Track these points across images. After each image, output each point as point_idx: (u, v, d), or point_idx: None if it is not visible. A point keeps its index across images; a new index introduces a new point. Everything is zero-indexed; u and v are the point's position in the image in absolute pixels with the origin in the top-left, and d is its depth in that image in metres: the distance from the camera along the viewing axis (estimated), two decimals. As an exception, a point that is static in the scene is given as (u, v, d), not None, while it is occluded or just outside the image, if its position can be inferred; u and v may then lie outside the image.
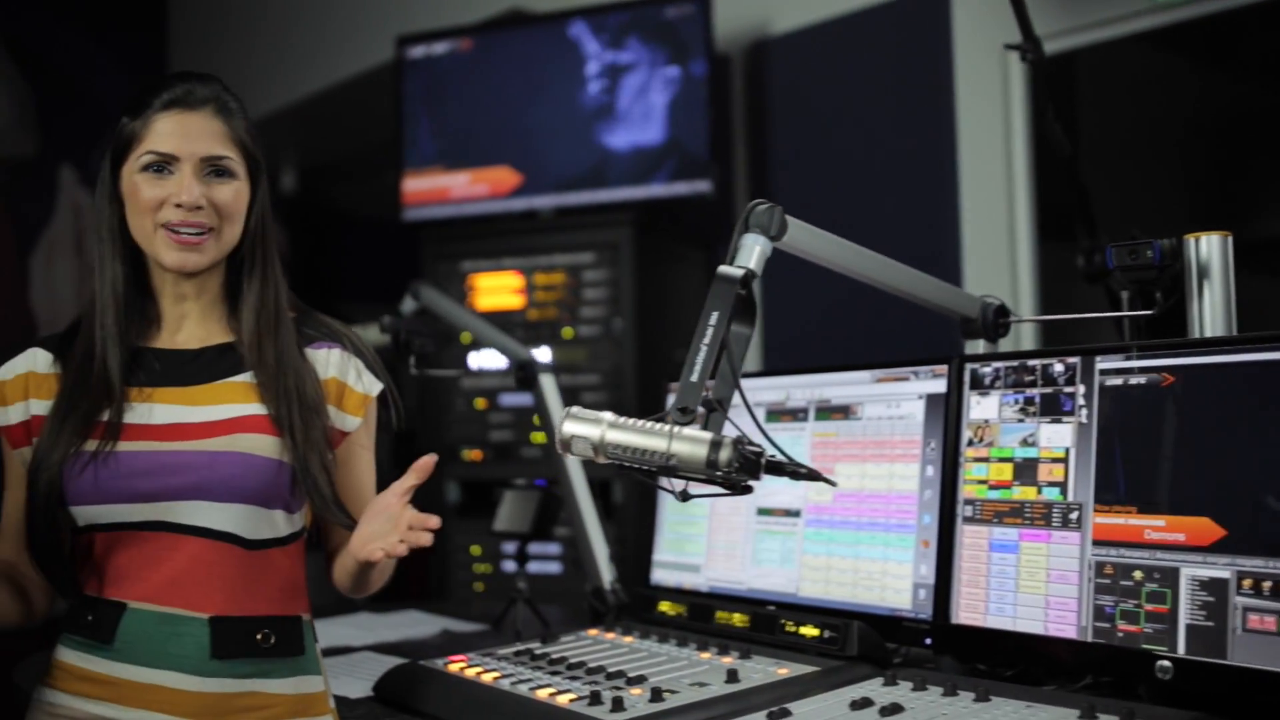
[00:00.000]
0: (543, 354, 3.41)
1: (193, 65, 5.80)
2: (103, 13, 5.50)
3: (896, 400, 1.93)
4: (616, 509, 3.48)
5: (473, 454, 3.68)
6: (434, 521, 1.51)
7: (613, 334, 3.54)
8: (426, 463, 1.55)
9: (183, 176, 1.62)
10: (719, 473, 1.44)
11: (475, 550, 3.64)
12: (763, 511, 2.11)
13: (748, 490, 1.49)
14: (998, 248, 3.33)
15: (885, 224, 3.48)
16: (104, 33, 5.47)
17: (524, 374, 2.43)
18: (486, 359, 3.59)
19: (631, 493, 3.44)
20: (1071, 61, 3.34)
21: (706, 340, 1.48)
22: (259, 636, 1.61)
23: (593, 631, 2.12)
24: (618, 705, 1.60)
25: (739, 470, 1.44)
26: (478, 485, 3.64)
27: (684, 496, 1.53)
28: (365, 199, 6.18)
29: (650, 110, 3.68)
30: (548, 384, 2.44)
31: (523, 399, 3.61)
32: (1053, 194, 3.37)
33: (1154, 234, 2.44)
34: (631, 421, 1.47)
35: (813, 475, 1.50)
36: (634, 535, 3.37)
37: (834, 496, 2.00)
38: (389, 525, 1.53)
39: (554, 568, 3.54)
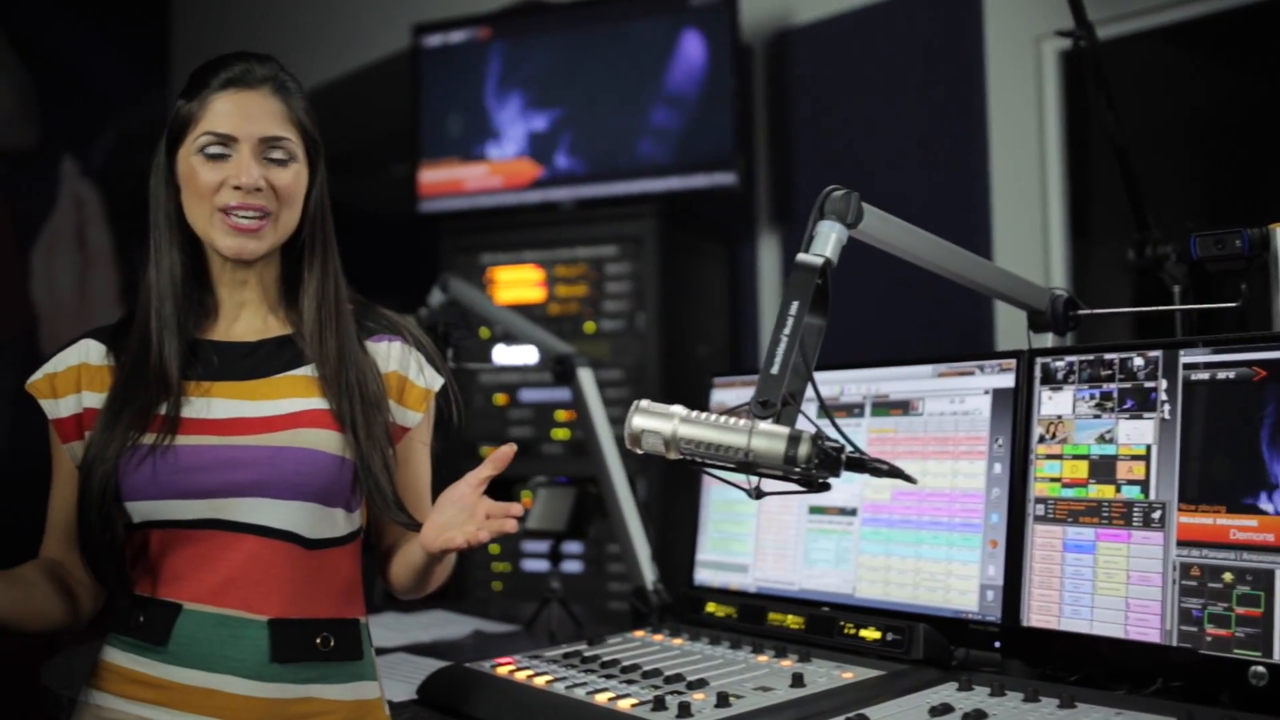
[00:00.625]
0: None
1: (195, 56, 5.74)
2: (104, 2, 5.41)
3: (960, 395, 1.87)
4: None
5: (491, 450, 3.60)
6: (517, 509, 1.46)
7: (636, 329, 3.48)
8: (505, 453, 1.50)
9: (241, 158, 1.56)
10: (797, 469, 1.38)
11: (494, 549, 3.57)
12: (815, 510, 2.05)
13: (825, 488, 1.43)
14: (1031, 243, 3.27)
15: (913, 219, 3.42)
16: (105, 22, 5.39)
17: (562, 368, 2.36)
18: (512, 354, 3.52)
19: (660, 491, 3.37)
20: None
21: (787, 331, 1.42)
22: (318, 640, 1.55)
23: (639, 633, 2.06)
24: (684, 711, 1.53)
25: (818, 467, 1.39)
26: (497, 482, 3.55)
27: (758, 494, 1.47)
28: (367, 193, 6.10)
29: (673, 101, 3.61)
30: (586, 378, 2.37)
31: (543, 394, 3.55)
32: (1084, 188, 3.32)
33: (1174, 229, 2.40)
34: (705, 416, 1.41)
35: (894, 472, 1.45)
36: (660, 533, 3.30)
37: (892, 495, 1.94)
38: (464, 515, 1.47)
39: (575, 567, 3.47)
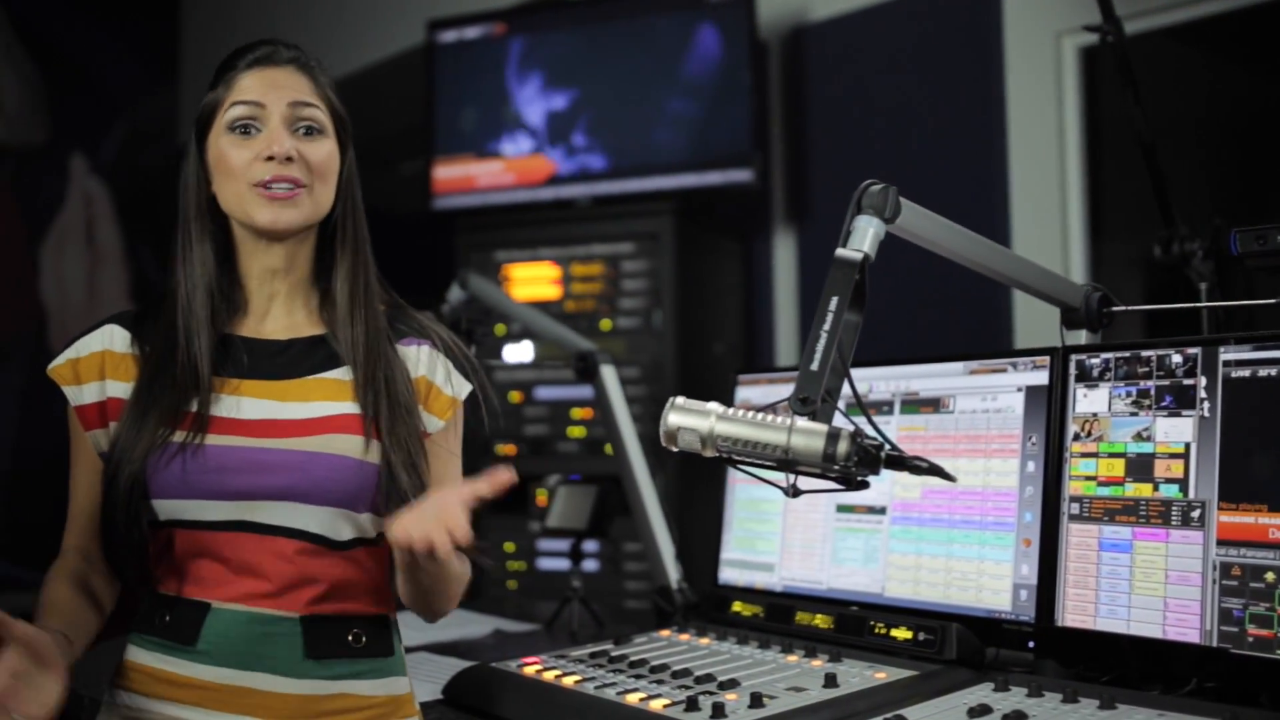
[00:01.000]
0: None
1: (205, 54, 5.73)
2: (114, -2, 5.41)
3: (993, 393, 1.85)
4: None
5: (506, 449, 3.59)
6: (465, 539, 1.36)
7: (653, 326, 3.46)
8: (503, 480, 1.41)
9: (271, 130, 1.54)
10: (836, 467, 1.37)
11: (509, 547, 3.55)
12: (843, 509, 2.03)
13: (864, 486, 1.42)
14: (1050, 240, 3.25)
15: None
16: (115, 19, 5.37)
17: (584, 365, 2.34)
18: (508, 351, 3.50)
19: (678, 490, 3.34)
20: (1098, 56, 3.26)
21: (826, 327, 1.40)
22: (350, 636, 1.53)
23: (665, 632, 2.04)
24: (718, 711, 1.51)
25: (858, 464, 1.37)
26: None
27: (794, 492, 1.45)
28: (377, 190, 6.09)
29: (689, 98, 3.59)
30: (609, 376, 2.35)
31: (559, 392, 3.53)
32: (1097, 186, 3.30)
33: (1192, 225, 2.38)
34: (742, 413, 1.39)
35: (934, 470, 1.43)
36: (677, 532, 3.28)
37: (922, 493, 1.92)
38: (434, 520, 1.37)
39: (590, 565, 3.44)
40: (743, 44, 3.52)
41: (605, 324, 3.50)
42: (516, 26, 3.80)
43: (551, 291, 3.58)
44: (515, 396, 3.59)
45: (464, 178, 3.83)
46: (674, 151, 3.59)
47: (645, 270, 3.48)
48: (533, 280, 3.60)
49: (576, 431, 3.51)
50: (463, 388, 1.64)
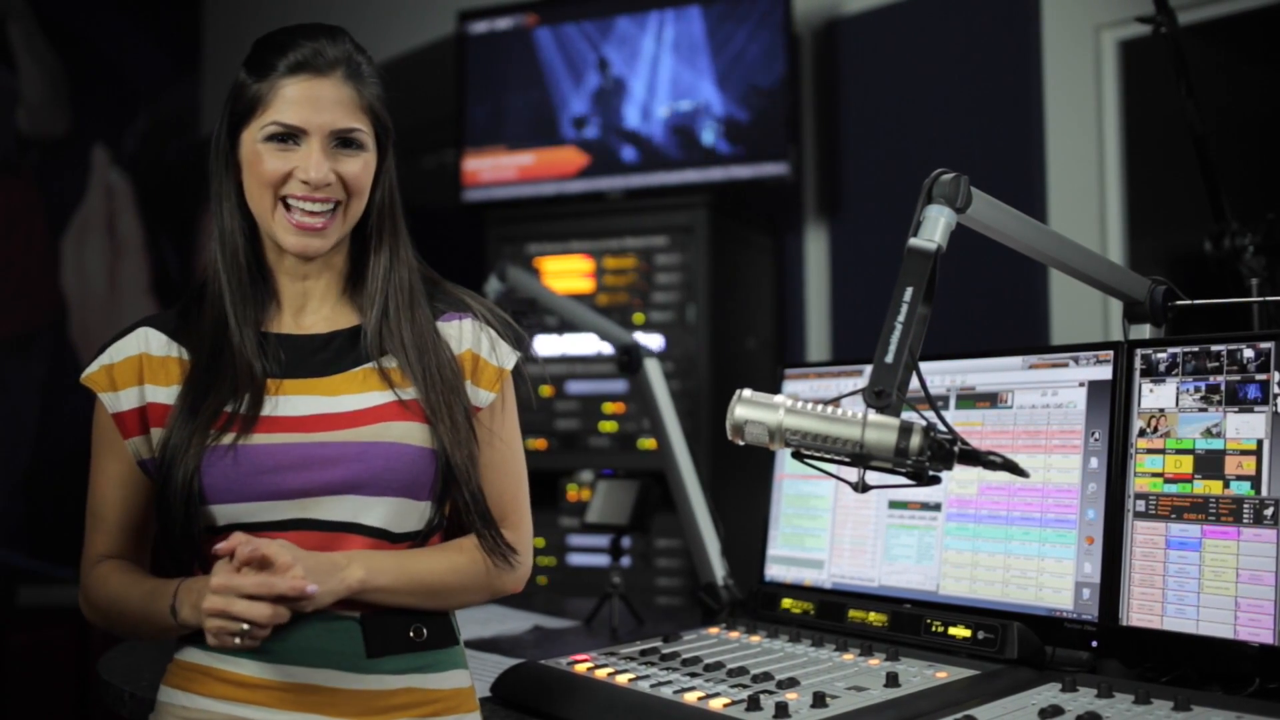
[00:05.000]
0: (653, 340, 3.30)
1: (227, 45, 5.70)
2: (136, -13, 5.39)
3: (1053, 388, 1.82)
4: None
5: (537, 443, 3.57)
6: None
7: (686, 320, 3.42)
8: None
9: (310, 151, 1.49)
10: (908, 461, 1.34)
11: (539, 542, 3.52)
12: (895, 505, 2.00)
13: (935, 481, 1.39)
14: (1087, 236, 3.22)
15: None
16: (136, 9, 5.35)
17: (628, 359, 2.31)
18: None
19: (711, 485, 3.32)
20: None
21: (901, 318, 1.37)
22: (412, 632, 1.51)
23: (714, 629, 2.01)
24: (781, 711, 1.48)
25: (931, 459, 1.34)
26: (541, 476, 3.50)
27: (862, 488, 1.42)
28: (404, 182, 6.06)
29: (724, 90, 3.56)
30: (653, 369, 2.32)
31: (591, 386, 3.50)
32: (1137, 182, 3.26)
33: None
34: (811, 406, 1.36)
35: (1008, 465, 1.40)
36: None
37: (979, 489, 1.89)
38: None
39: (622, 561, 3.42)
40: (778, 36, 3.49)
41: (638, 317, 3.47)
42: (548, 17, 3.77)
43: (584, 284, 3.55)
44: (546, 390, 3.56)
45: (495, 169, 3.80)
46: (708, 144, 3.56)
47: (679, 264, 3.45)
48: (565, 273, 3.57)
49: (608, 426, 3.48)
50: (509, 358, 1.61)
